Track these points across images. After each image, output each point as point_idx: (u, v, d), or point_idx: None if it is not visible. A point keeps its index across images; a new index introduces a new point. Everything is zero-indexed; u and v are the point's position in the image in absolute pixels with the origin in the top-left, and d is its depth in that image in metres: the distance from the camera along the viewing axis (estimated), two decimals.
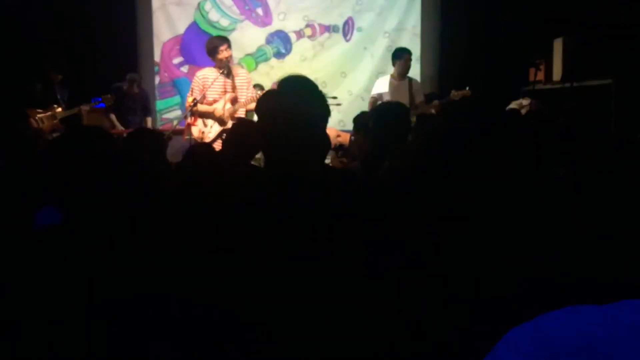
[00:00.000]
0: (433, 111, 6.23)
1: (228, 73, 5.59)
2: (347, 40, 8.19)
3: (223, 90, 5.58)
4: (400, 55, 6.37)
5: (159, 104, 8.33)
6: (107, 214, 1.38)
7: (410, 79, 6.44)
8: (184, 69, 8.29)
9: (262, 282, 1.59)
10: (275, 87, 2.05)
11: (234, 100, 5.59)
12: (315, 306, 1.56)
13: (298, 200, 1.73)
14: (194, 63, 8.06)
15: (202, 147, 3.45)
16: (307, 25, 8.16)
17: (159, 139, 2.98)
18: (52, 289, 1.34)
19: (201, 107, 5.56)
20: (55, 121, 6.30)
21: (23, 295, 1.42)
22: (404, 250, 1.82)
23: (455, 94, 6.35)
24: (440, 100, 6.43)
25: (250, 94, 5.63)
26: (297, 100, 1.92)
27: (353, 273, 1.68)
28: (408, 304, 1.57)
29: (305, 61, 8.09)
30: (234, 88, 5.60)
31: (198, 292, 1.38)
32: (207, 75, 5.58)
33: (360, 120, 4.01)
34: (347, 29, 8.18)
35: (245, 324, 1.39)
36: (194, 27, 8.24)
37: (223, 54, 5.49)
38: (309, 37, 8.16)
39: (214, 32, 7.91)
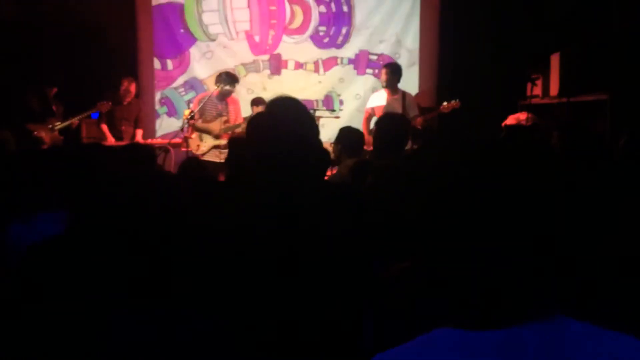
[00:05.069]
0: (419, 127, 6.29)
1: (221, 99, 6.57)
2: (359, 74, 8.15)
3: (218, 112, 6.54)
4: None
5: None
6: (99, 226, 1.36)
7: (404, 93, 6.50)
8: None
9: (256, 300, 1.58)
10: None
11: (227, 122, 6.53)
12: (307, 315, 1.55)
13: (283, 219, 1.72)
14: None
15: (193, 162, 3.45)
16: (313, 63, 8.13)
17: (149, 153, 2.98)
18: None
19: (199, 124, 6.49)
20: (54, 133, 6.31)
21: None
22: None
23: (445, 106, 6.38)
24: (424, 116, 6.47)
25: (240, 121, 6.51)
26: (286, 120, 1.93)
27: (344, 285, 1.67)
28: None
29: (302, 76, 8.10)
30: (228, 113, 6.55)
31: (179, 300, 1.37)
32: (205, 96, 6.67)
33: (340, 132, 4.22)
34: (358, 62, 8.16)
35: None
36: (174, 8, 7.89)
37: (230, 89, 6.49)
38: (313, 71, 8.12)
39: (196, 32, 7.94)
